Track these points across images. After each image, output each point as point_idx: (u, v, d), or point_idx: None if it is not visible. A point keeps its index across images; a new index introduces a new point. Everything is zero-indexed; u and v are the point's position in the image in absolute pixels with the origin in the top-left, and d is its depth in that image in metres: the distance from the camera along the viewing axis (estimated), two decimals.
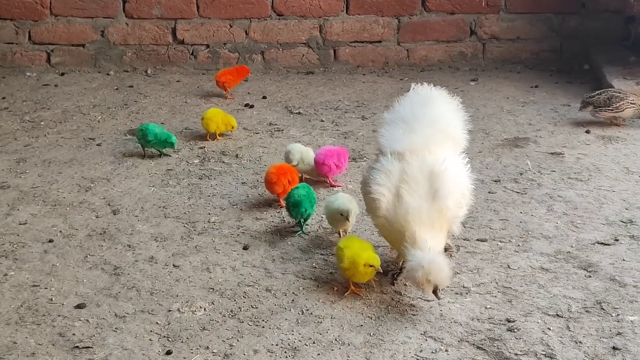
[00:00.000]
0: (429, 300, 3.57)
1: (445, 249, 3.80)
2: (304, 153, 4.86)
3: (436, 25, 7.27)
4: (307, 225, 4.28)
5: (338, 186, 4.82)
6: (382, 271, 3.61)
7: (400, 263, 3.77)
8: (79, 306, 3.62)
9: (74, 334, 3.41)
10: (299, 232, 4.24)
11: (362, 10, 7.29)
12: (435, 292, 3.45)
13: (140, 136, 5.28)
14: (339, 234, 4.17)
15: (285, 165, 4.68)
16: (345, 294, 3.64)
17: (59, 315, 3.55)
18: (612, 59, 6.70)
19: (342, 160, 4.85)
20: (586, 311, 3.48)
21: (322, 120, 6.04)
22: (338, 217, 4.09)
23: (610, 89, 5.74)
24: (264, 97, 6.59)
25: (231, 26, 7.33)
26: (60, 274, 3.91)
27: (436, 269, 3.40)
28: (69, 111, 6.31)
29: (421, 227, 3.51)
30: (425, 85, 4.00)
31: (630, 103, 5.60)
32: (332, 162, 4.78)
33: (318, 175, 4.85)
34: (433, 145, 3.68)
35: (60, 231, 4.34)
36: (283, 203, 4.48)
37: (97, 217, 4.51)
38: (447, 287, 3.63)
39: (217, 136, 5.59)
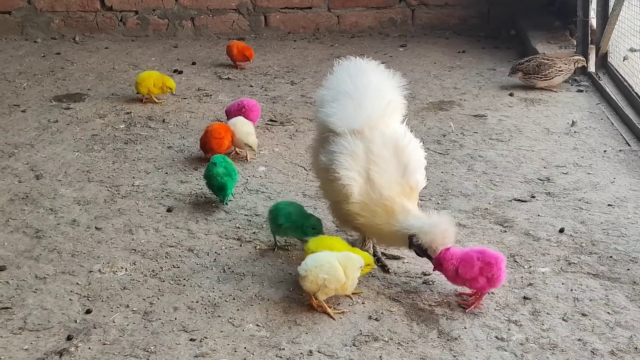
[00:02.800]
0: None
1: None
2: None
3: None
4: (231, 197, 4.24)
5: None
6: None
7: (369, 246, 3.65)
8: (0, 268, 3.61)
9: None
10: (226, 201, 4.17)
11: None
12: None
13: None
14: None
15: (222, 124, 4.75)
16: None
17: None
18: (538, 24, 6.83)
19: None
20: None
21: (251, 86, 6.06)
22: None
23: (538, 56, 5.85)
24: (194, 63, 6.58)
25: None
26: None
27: (449, 229, 3.32)
28: None
29: (402, 198, 3.39)
30: (354, 58, 3.79)
31: (558, 70, 5.73)
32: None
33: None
34: (387, 118, 3.52)
35: None
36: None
37: (19, 182, 4.48)
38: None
39: (154, 99, 5.58)
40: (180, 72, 6.34)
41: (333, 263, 3.20)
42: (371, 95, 3.55)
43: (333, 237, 3.59)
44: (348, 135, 3.44)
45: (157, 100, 5.59)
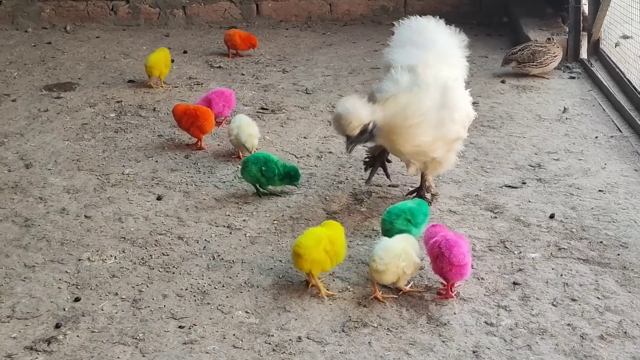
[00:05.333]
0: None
1: (433, 194, 4.00)
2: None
3: None
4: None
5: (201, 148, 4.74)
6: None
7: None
8: None
9: None
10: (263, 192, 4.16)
11: None
12: None
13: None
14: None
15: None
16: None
17: None
18: (530, 11, 6.82)
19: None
20: (490, 250, 3.58)
21: (242, 74, 6.04)
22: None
23: (531, 43, 5.84)
24: (185, 52, 6.57)
25: None
26: None
27: None
28: None
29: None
30: (424, 17, 4.11)
31: (553, 56, 5.73)
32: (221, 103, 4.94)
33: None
34: (446, 66, 3.82)
35: None
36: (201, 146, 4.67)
37: (9, 171, 4.47)
38: (358, 230, 3.73)
39: (162, 83, 5.65)
40: (172, 61, 6.31)
41: (406, 248, 3.19)
42: (435, 47, 3.88)
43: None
44: (400, 67, 3.76)
45: (163, 85, 5.65)
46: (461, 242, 3.20)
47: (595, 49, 5.97)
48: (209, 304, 3.23)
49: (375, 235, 3.70)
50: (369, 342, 2.97)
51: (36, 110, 5.32)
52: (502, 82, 5.72)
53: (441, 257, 3.16)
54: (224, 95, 5.02)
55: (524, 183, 4.20)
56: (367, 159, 4.21)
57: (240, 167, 4.16)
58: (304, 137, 4.85)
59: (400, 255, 3.16)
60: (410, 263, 3.19)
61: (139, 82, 5.82)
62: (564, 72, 5.85)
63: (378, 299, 3.22)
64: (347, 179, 4.30)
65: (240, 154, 4.51)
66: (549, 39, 5.83)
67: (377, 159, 4.18)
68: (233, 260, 3.55)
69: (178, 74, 6.01)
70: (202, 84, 5.82)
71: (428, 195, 4.00)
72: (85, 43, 6.82)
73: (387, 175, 4.20)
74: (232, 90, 5.17)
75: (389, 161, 4.24)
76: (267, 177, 4.05)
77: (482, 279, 3.36)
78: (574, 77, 5.75)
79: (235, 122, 4.47)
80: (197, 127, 4.62)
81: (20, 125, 5.09)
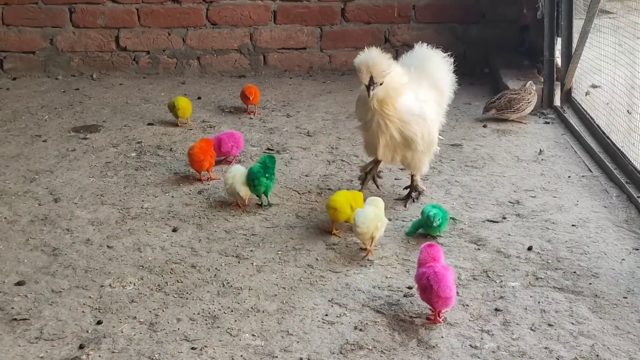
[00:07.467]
0: (336, 272, 3.63)
1: (419, 192, 4.42)
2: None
3: (354, 33, 7.33)
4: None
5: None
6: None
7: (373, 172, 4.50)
8: (19, 283, 3.58)
9: (12, 308, 3.37)
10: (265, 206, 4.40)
11: (288, 20, 7.31)
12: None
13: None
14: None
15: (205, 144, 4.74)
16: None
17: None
18: (509, 63, 6.84)
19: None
20: (474, 279, 3.56)
21: (250, 118, 6.05)
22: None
23: (507, 92, 5.86)
24: (199, 98, 6.57)
25: (169, 34, 7.28)
26: (2, 256, 3.85)
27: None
28: (19, 111, 6.21)
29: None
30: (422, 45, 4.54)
31: (527, 102, 5.75)
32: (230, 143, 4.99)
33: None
34: (427, 66, 4.38)
35: (5, 217, 4.28)
36: (211, 176, 4.75)
37: (39, 204, 4.45)
38: (354, 260, 3.71)
39: (189, 121, 5.77)
40: None
41: (378, 213, 3.76)
42: (421, 56, 4.45)
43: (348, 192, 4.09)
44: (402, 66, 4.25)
45: (190, 123, 5.80)
46: (447, 274, 3.18)
47: (567, 97, 5.99)
48: (218, 327, 3.21)
49: (370, 265, 3.69)
50: None
51: (65, 150, 5.32)
52: (484, 126, 5.73)
53: (429, 288, 3.14)
54: (234, 137, 5.03)
55: (504, 218, 4.19)
56: (361, 176, 4.54)
57: (252, 184, 4.28)
58: (306, 175, 4.84)
59: (374, 219, 3.73)
60: (383, 221, 3.79)
61: (158, 125, 5.83)
62: (539, 117, 5.86)
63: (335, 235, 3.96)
64: None
65: (239, 203, 4.40)
66: (523, 85, 5.86)
67: (369, 175, 4.50)
68: (241, 287, 3.52)
69: (193, 117, 6.02)
70: (214, 126, 5.83)
71: (414, 194, 4.41)
72: (110, 89, 6.83)
73: (377, 186, 4.54)
74: (241, 133, 5.18)
75: (379, 177, 4.58)
76: (272, 180, 4.34)
77: (467, 305, 3.33)
78: (548, 122, 5.76)
79: (231, 172, 4.36)
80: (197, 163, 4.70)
81: (50, 163, 5.09)
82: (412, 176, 4.43)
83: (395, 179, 4.76)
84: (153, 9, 7.23)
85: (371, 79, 4.03)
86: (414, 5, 7.26)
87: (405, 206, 4.36)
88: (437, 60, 4.49)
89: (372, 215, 3.74)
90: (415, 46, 4.54)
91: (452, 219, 4.10)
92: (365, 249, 3.81)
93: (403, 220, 4.17)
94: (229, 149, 4.97)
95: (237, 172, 4.36)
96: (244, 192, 4.34)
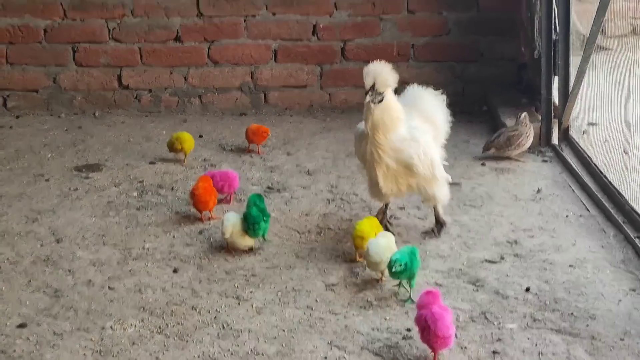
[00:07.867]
0: (335, 314, 3.66)
1: (441, 224, 4.52)
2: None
3: (354, 72, 7.38)
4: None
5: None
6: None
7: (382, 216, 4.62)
8: (21, 325, 3.61)
9: (14, 351, 3.40)
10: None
11: (288, 59, 7.40)
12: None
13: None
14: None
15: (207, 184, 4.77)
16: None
17: (1, 334, 3.54)
18: (507, 100, 6.90)
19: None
20: (472, 320, 3.59)
21: (251, 156, 6.11)
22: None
23: (505, 130, 5.91)
24: (201, 136, 6.63)
25: (171, 73, 7.37)
26: (5, 297, 3.89)
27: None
28: (22, 150, 6.27)
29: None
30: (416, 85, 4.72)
31: (526, 136, 5.81)
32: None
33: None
34: (420, 102, 4.59)
35: (7, 258, 4.32)
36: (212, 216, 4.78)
37: (41, 245, 4.50)
38: (354, 302, 3.74)
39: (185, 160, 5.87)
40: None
41: (390, 244, 3.94)
42: (413, 94, 4.64)
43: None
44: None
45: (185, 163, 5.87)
46: (445, 315, 3.21)
47: (565, 135, 6.04)
48: None
49: (370, 307, 3.72)
50: None
51: (67, 189, 5.38)
52: (482, 164, 5.78)
53: (427, 329, 3.17)
54: (227, 176, 5.08)
55: (503, 258, 4.22)
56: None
57: (251, 228, 4.27)
58: (306, 215, 4.89)
59: (388, 249, 3.86)
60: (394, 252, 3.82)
61: (160, 163, 5.89)
62: (537, 155, 5.91)
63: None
64: (344, 253, 4.33)
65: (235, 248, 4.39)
66: (518, 118, 5.88)
67: (377, 217, 4.53)
68: (241, 330, 3.55)
69: (194, 155, 6.07)
70: (215, 165, 5.88)
71: (437, 226, 4.52)
72: (112, 128, 6.90)
73: (393, 234, 4.31)
74: (236, 173, 5.18)
75: (390, 224, 4.62)
76: (268, 221, 4.41)
77: (465, 347, 3.36)
78: (546, 161, 5.81)
79: (229, 220, 4.29)
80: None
81: (52, 202, 5.14)
82: (434, 209, 4.53)
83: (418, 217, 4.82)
84: (155, 48, 7.33)
85: (373, 85, 4.17)
86: (413, 44, 7.35)
87: (424, 238, 4.47)
88: (429, 96, 4.65)
89: (385, 244, 3.87)
90: (407, 87, 4.68)
91: (405, 287, 3.80)
92: (379, 280, 3.96)
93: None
94: (220, 188, 4.99)
95: (234, 223, 4.27)
96: (247, 242, 4.32)
